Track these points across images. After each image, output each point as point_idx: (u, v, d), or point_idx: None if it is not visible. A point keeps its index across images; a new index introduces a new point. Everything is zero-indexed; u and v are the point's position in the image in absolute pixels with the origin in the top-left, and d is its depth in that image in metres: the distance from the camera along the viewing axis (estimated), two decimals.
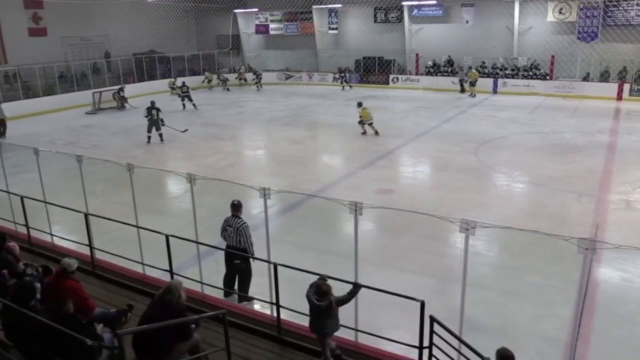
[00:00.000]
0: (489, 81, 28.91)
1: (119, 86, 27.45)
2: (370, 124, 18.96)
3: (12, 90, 25.96)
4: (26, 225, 9.09)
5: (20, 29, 28.24)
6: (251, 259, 7.36)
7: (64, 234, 9.33)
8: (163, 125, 18.58)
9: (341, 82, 32.45)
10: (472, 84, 27.87)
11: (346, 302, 5.48)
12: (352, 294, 5.51)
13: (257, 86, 33.35)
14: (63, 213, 8.85)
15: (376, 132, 18.88)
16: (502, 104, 25.53)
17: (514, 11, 28.57)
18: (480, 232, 5.30)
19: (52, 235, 9.18)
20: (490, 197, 12.41)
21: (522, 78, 28.74)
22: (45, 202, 9.16)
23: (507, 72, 29.32)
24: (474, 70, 28.72)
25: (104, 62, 31.62)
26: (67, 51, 30.83)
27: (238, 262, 7.33)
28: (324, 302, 5.29)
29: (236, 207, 7.52)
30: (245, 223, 7.39)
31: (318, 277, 5.60)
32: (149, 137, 18.61)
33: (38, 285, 5.49)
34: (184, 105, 25.63)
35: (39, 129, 21.82)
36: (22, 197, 8.93)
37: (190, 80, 30.06)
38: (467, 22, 29.98)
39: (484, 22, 29.46)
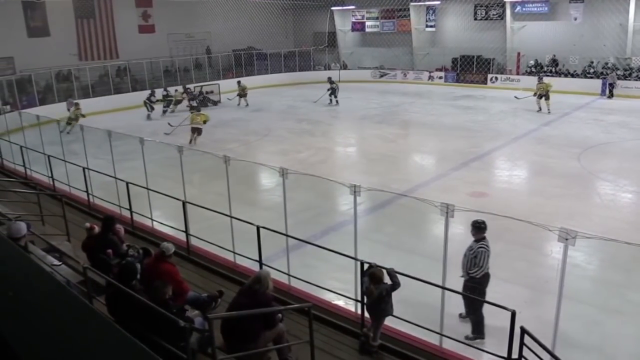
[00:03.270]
0: (597, 83, 27.06)
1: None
2: (199, 134, 18.02)
3: (122, 84, 27.85)
4: (130, 209, 9.72)
5: (131, 26, 30.19)
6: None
7: (163, 220, 9.87)
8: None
9: (330, 95, 26.03)
10: (545, 97, 22.31)
11: (397, 287, 5.73)
12: (395, 278, 5.78)
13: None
14: (163, 200, 9.36)
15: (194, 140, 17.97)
16: (611, 107, 23.83)
17: (630, 7, 26.50)
18: (581, 242, 5.00)
19: (152, 220, 9.75)
20: (592, 207, 11.65)
21: (635, 80, 26.65)
22: (148, 189, 9.73)
23: (618, 73, 27.30)
24: (545, 81, 23.53)
25: (206, 57, 33.02)
26: (172, 47, 32.50)
27: None
28: (377, 290, 5.67)
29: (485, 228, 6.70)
30: None
31: (368, 265, 5.97)
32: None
33: (138, 266, 5.84)
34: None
35: (144, 120, 23.26)
36: (127, 183, 9.57)
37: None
38: (575, 19, 28.20)
39: (594, 19, 27.57)
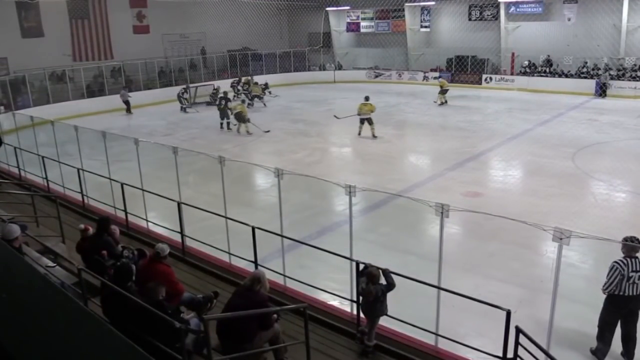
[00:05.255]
0: (591, 83, 27.19)
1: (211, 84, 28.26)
2: (370, 124, 17.94)
3: (117, 84, 27.76)
4: (125, 210, 9.69)
5: (125, 27, 30.09)
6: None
7: (158, 221, 9.85)
8: (231, 114, 20.11)
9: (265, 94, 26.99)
10: (444, 92, 25.12)
11: (392, 288, 5.75)
12: (389, 278, 5.78)
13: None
14: (158, 201, 9.34)
15: (373, 135, 18.04)
16: (605, 107, 23.92)
17: (623, 8, 26.65)
18: (575, 242, 5.02)
19: (147, 221, 9.72)
20: (587, 206, 11.68)
21: (629, 80, 26.79)
22: (143, 190, 9.71)
23: (611, 73, 27.43)
24: (441, 79, 27.24)
25: (200, 58, 32.97)
26: (167, 47, 32.47)
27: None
28: (375, 289, 5.66)
29: (636, 246, 5.76)
30: None
31: (364, 265, 5.95)
32: (221, 124, 20.56)
33: (133, 267, 5.83)
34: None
35: (139, 121, 23.23)
36: (122, 184, 9.54)
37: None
38: (569, 19, 28.33)
39: (587, 19, 27.70)
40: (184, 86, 26.77)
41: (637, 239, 5.75)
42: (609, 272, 5.76)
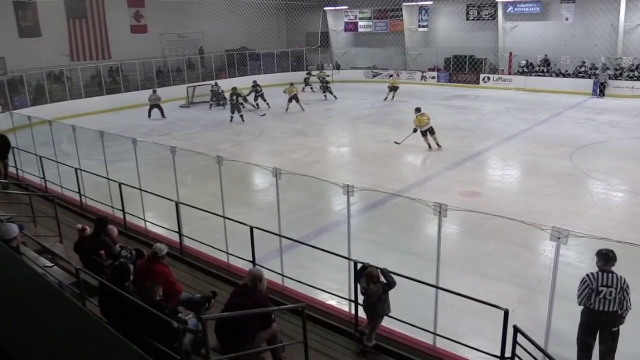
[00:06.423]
0: (589, 82, 27.23)
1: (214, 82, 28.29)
2: (432, 134, 16.68)
3: (114, 84, 27.74)
4: (123, 210, 9.68)
5: (123, 27, 30.08)
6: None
7: (156, 221, 9.84)
8: (244, 108, 22.34)
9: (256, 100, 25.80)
10: (394, 89, 27.28)
11: (393, 286, 5.74)
12: (389, 277, 5.77)
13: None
14: (156, 201, 9.33)
15: (438, 145, 16.62)
16: (603, 106, 23.96)
17: (620, 7, 26.67)
18: (573, 241, 5.03)
19: (145, 221, 9.71)
20: (585, 206, 11.69)
21: (626, 80, 26.83)
22: (141, 190, 9.70)
23: (609, 72, 27.46)
24: (393, 78, 29.15)
25: (199, 58, 32.93)
26: (165, 47, 32.42)
27: (616, 330, 5.59)
28: (377, 288, 5.64)
29: (611, 259, 5.54)
30: (625, 279, 5.53)
31: (362, 265, 5.95)
32: (232, 117, 21.94)
33: (132, 267, 5.82)
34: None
35: (137, 121, 23.17)
36: (120, 184, 9.53)
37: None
38: (566, 19, 28.36)
39: (585, 19, 27.74)
40: (215, 82, 27.75)
41: (613, 252, 5.49)
42: (579, 285, 5.57)
